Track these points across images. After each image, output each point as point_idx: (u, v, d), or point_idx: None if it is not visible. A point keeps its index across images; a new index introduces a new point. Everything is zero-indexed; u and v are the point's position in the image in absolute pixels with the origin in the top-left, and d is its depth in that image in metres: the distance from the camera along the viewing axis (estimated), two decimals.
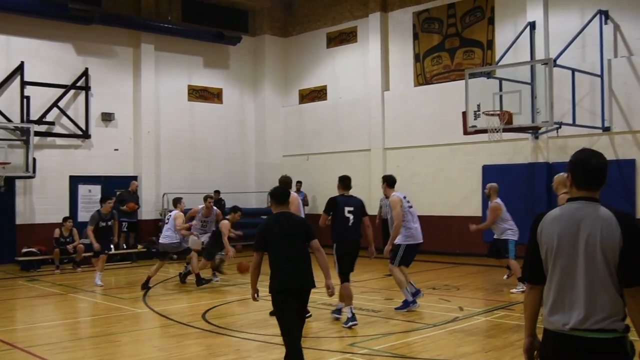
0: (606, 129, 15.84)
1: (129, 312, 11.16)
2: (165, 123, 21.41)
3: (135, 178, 20.27)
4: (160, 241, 14.17)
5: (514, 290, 12.16)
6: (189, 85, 22.22)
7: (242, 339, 8.84)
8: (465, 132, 15.64)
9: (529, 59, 16.78)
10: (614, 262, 3.40)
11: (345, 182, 10.57)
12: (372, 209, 19.84)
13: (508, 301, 11.15)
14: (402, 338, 8.81)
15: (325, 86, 22.70)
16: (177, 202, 14.42)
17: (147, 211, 20.52)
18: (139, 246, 19.41)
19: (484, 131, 14.90)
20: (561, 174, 9.20)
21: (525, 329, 3.82)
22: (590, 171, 3.58)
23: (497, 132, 14.57)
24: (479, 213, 17.24)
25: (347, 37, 22.00)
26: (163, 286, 14.02)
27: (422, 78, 19.86)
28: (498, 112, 14.64)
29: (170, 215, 14.02)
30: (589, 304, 3.42)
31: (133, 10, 20.88)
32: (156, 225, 20.22)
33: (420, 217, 18.23)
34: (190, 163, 21.99)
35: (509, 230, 12.33)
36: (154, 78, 21.09)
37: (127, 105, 20.74)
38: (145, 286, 13.32)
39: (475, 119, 15.11)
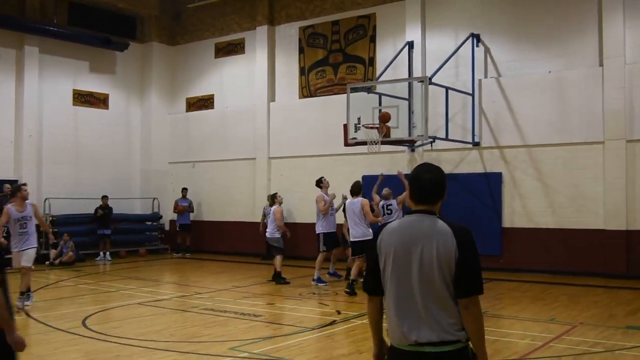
0: (476, 144, 16.90)
1: None
2: (48, 127, 20.96)
3: (14, 182, 19.72)
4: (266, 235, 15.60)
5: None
6: (74, 90, 21.83)
7: (123, 344, 8.83)
8: (346, 144, 16.13)
9: (407, 76, 17.61)
10: (450, 275, 3.43)
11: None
12: (256, 216, 20.33)
13: None
14: (281, 341, 9.05)
15: (213, 95, 22.89)
16: (273, 197, 15.83)
17: None
18: None
19: (364, 143, 15.39)
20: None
21: (372, 338, 3.87)
22: (424, 186, 3.60)
23: (376, 144, 15.07)
24: None
25: (234, 48, 22.29)
26: (43, 292, 13.78)
27: (307, 91, 20.44)
28: (377, 126, 15.21)
29: (270, 210, 15.74)
30: (427, 317, 3.44)
31: (17, 11, 20.32)
32: (37, 230, 19.72)
33: (303, 225, 19.11)
34: (74, 168, 21.62)
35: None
36: (37, 81, 20.60)
37: (8, 108, 20.19)
38: (281, 280, 14.77)
39: (355, 132, 15.56)
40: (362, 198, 13.36)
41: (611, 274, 15.00)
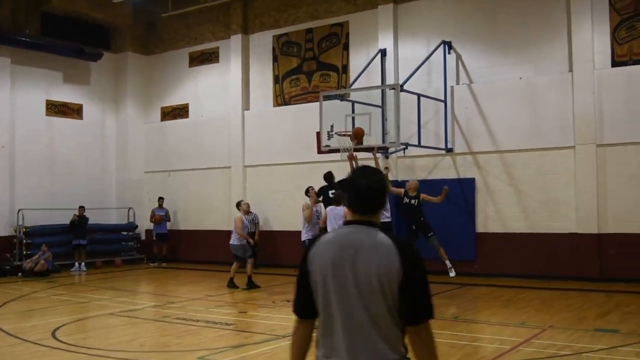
0: (449, 150, 17.01)
1: None
2: (21, 138, 20.77)
3: None
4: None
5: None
6: (47, 100, 21.69)
7: (92, 355, 8.80)
8: (319, 152, 16.13)
9: (380, 83, 17.73)
10: (392, 296, 2.95)
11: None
12: (232, 225, 20.25)
13: None
14: (251, 350, 9.03)
15: (187, 104, 22.85)
16: (237, 205, 16.21)
17: None
18: None
19: (337, 150, 15.40)
20: None
21: None
22: (359, 192, 3.12)
23: (349, 151, 15.15)
24: None
25: (209, 57, 22.29)
26: (15, 304, 13.69)
27: (281, 99, 20.47)
28: (349, 133, 15.25)
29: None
30: (366, 345, 2.97)
31: None
32: (10, 242, 19.67)
33: (280, 233, 19.13)
34: (49, 179, 21.44)
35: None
36: (9, 92, 20.42)
37: None
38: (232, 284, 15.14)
39: (328, 139, 15.61)
40: (345, 207, 13.45)
41: (584, 277, 15.14)
